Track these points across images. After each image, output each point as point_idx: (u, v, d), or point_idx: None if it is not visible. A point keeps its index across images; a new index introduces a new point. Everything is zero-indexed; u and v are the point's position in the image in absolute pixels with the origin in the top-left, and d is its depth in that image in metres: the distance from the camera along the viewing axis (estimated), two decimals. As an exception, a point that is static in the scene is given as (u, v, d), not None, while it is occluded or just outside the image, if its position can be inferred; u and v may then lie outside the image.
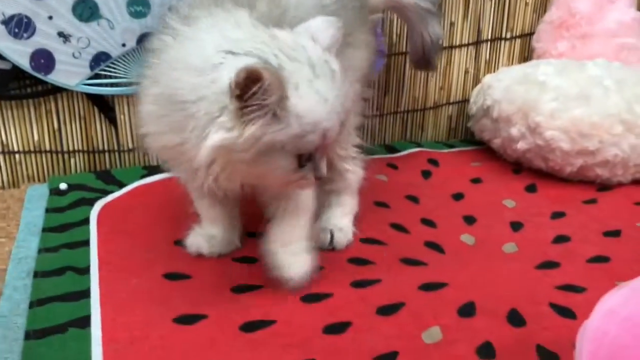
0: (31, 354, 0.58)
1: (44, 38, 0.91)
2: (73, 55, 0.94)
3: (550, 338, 0.61)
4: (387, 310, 0.66)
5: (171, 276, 0.72)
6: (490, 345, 0.61)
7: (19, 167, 0.99)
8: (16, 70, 0.92)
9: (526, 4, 1.19)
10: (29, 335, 0.61)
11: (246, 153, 0.57)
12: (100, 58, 0.96)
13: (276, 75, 0.54)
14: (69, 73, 0.95)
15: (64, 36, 0.93)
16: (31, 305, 0.66)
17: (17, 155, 0.99)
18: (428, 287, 0.70)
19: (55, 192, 0.93)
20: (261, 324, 0.63)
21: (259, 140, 0.56)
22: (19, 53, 0.91)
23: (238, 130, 0.55)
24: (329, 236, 0.79)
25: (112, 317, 0.64)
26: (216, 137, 0.56)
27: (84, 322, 0.63)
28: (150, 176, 0.99)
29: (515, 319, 0.65)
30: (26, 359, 0.57)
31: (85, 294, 0.68)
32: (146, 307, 0.66)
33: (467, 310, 0.67)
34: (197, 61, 0.58)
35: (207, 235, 0.77)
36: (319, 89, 0.57)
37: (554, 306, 0.67)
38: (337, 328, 0.63)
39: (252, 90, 0.53)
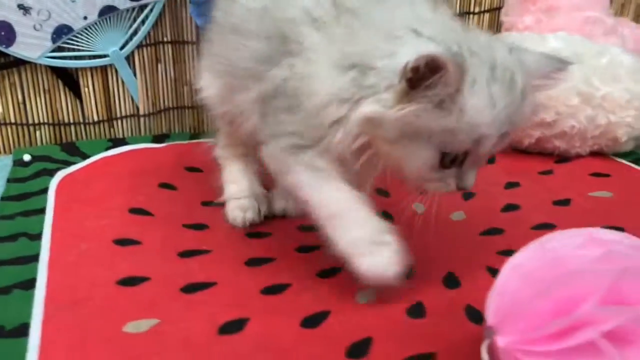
0: (-25, 314, 0.60)
1: (3, 10, 0.92)
2: (34, 27, 0.95)
3: (481, 298, 0.62)
4: (328, 273, 0.68)
5: (121, 242, 0.73)
6: (422, 305, 0.62)
7: (-16, 140, 1.01)
8: (-22, 43, 0.94)
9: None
10: (-26, 296, 0.63)
11: (391, 131, 0.54)
12: (61, 31, 0.97)
13: (460, 67, 0.51)
14: (31, 45, 0.96)
15: (24, 8, 0.93)
16: (-19, 268, 0.68)
17: (-18, 128, 1.00)
18: (372, 252, 0.72)
19: (18, 163, 0.95)
20: (202, 286, 0.65)
21: (409, 122, 0.53)
22: (-21, 25, 0.92)
23: (395, 109, 0.52)
24: (283, 203, 0.81)
25: (58, 279, 0.66)
26: (369, 108, 0.54)
27: (30, 284, 0.65)
28: (115, 148, 1.01)
29: (451, 281, 0.67)
30: (-30, 318, 0.59)
31: (35, 258, 0.70)
32: (92, 271, 0.67)
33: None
34: (384, 28, 0.55)
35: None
36: (493, 92, 0.53)
37: (491, 269, 0.69)
38: (276, 289, 0.65)
39: (428, 78, 0.50)
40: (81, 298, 0.63)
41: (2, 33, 0.93)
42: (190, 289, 0.65)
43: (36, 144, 1.03)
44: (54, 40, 0.97)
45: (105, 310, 0.61)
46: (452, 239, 0.76)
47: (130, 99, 1.06)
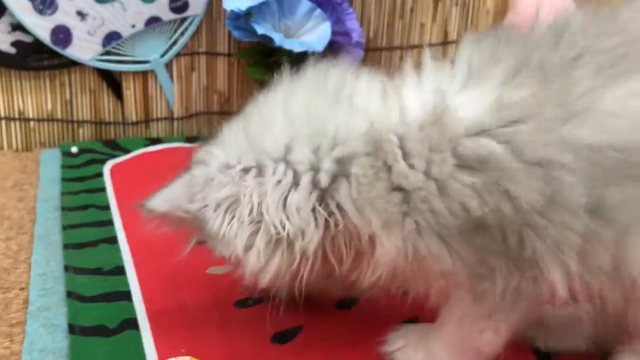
0: (72, 258, 0.68)
1: (64, 15, 1.02)
2: (88, 32, 1.05)
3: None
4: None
5: (183, 213, 0.83)
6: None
7: (32, 133, 1.09)
8: (37, 44, 1.03)
9: (487, 11, 1.36)
10: (66, 247, 0.71)
11: None
12: (112, 37, 1.07)
13: None
14: (84, 48, 1.06)
15: (81, 15, 1.04)
16: (64, 228, 0.76)
17: (31, 123, 1.08)
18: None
19: (67, 154, 1.03)
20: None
21: None
22: (42, 28, 1.02)
23: None
24: None
25: (136, 238, 0.74)
26: None
27: (112, 240, 0.73)
28: (153, 146, 1.10)
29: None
30: (68, 261, 0.67)
31: (109, 222, 0.78)
32: (166, 235, 0.76)
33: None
34: None
35: None
36: None
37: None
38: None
39: None
40: (162, 251, 0.71)
41: (61, 36, 1.03)
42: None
43: (79, 140, 1.12)
44: (104, 45, 1.07)
45: (186, 260, 0.70)
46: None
47: (165, 103, 1.16)
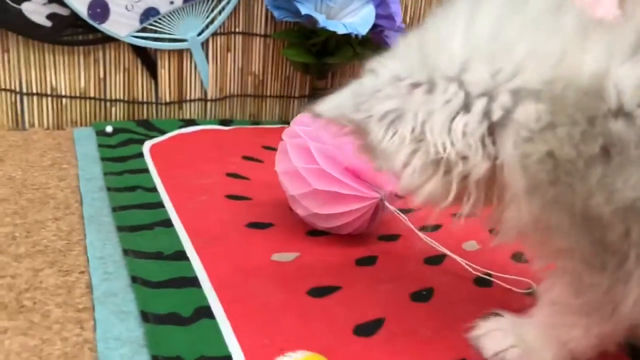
0: (129, 241, 0.65)
1: (102, -11, 0.99)
2: (126, 7, 1.01)
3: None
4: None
5: (232, 197, 0.80)
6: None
7: (64, 111, 1.05)
8: (73, 17, 0.99)
9: None
10: (121, 229, 0.68)
11: None
12: (149, 13, 1.03)
13: None
14: (121, 24, 1.02)
15: (120, -11, 1.00)
16: (114, 209, 0.72)
17: (64, 100, 1.04)
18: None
19: (101, 133, 1.00)
20: (326, 233, 0.72)
21: None
22: (79, 1, 0.98)
23: None
24: None
25: (190, 221, 0.71)
26: None
27: (167, 223, 0.70)
28: (187, 127, 1.07)
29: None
30: (125, 244, 0.64)
31: (160, 205, 0.75)
32: (219, 216, 0.74)
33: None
34: None
35: None
36: None
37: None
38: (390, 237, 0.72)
39: None
40: (219, 234, 0.69)
41: (98, 10, 0.99)
42: (316, 233, 0.71)
43: (111, 119, 1.08)
44: (141, 21, 1.03)
45: (243, 247, 0.67)
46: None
47: (199, 84, 1.13)
